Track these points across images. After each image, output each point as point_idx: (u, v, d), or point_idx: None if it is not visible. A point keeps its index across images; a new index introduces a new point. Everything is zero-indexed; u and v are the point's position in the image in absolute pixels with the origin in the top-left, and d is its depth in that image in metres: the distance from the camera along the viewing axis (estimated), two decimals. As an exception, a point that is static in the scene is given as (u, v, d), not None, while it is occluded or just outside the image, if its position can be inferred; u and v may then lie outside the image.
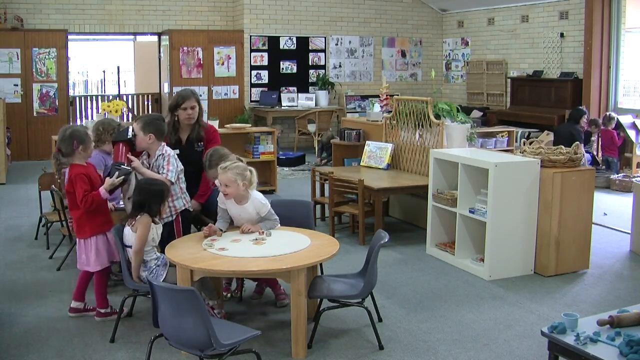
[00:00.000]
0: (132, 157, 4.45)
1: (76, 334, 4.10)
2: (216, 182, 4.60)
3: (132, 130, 4.51)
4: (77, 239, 4.31)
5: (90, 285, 4.38)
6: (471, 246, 5.49)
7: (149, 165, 4.51)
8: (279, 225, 4.33)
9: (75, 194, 4.14)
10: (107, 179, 4.19)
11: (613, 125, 9.54)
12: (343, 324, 4.26)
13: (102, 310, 4.31)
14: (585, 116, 9.44)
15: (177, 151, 4.74)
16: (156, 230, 4.09)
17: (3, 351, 3.87)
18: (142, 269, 4.04)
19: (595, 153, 9.85)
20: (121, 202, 4.85)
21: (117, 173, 4.19)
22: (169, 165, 4.43)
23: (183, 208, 4.55)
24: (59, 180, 4.29)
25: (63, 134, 4.24)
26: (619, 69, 10.55)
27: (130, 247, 4.04)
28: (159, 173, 4.41)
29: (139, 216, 4.04)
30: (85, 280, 4.35)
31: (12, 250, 5.98)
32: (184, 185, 4.59)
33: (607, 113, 9.82)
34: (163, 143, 4.57)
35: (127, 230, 4.07)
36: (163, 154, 4.49)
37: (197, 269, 3.67)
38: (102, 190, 4.16)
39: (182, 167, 4.57)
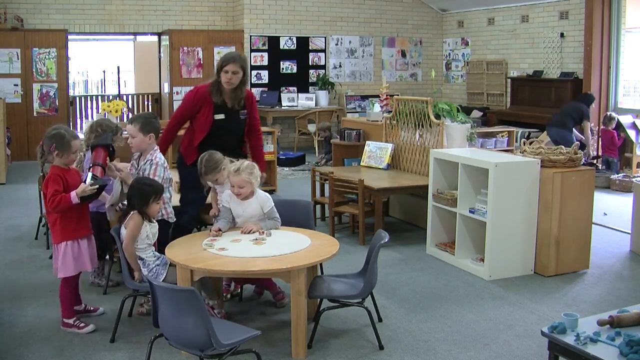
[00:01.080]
0: (121, 166, 4.40)
1: (76, 334, 4.10)
2: (209, 184, 4.59)
3: (127, 132, 4.46)
4: (53, 244, 4.17)
5: (82, 287, 4.36)
6: (471, 246, 5.49)
7: (137, 166, 4.46)
8: (280, 225, 4.33)
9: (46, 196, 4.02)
10: (82, 184, 4.03)
11: (613, 126, 9.54)
12: (343, 324, 4.26)
13: (66, 321, 4.17)
14: (594, 103, 9.50)
15: (165, 162, 4.56)
16: (150, 229, 4.08)
17: (3, 351, 3.87)
18: (142, 267, 4.04)
19: (595, 154, 9.84)
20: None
21: (91, 182, 4.01)
22: (155, 174, 4.31)
23: (160, 218, 4.35)
24: (41, 174, 4.19)
25: (49, 131, 4.12)
26: (619, 69, 10.55)
27: None
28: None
29: (131, 213, 4.05)
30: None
31: (12, 250, 5.98)
32: (168, 195, 4.43)
33: (608, 113, 9.80)
34: (156, 147, 4.48)
35: (123, 229, 4.08)
36: (152, 160, 4.38)
37: (197, 269, 3.67)
38: (73, 194, 3.96)
39: (170, 176, 4.48)
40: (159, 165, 4.37)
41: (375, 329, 3.94)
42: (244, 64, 4.88)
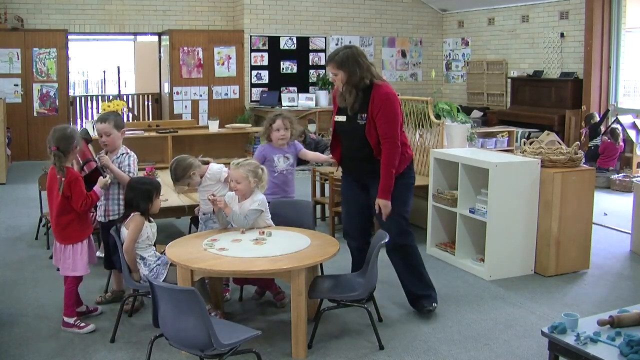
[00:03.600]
0: (102, 154, 4.41)
1: (76, 334, 4.09)
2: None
3: (97, 131, 4.46)
4: (64, 245, 4.13)
5: (82, 288, 4.35)
6: (471, 246, 5.49)
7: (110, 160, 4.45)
8: (247, 227, 4.21)
9: (73, 198, 4.03)
10: (100, 178, 4.17)
11: (621, 141, 9.34)
12: (343, 324, 4.26)
13: (66, 320, 4.15)
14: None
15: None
16: (150, 229, 4.10)
17: (3, 351, 3.87)
18: (142, 267, 4.05)
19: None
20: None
21: (108, 176, 4.21)
22: (134, 165, 4.39)
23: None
24: (63, 179, 4.07)
25: (63, 132, 4.07)
26: (619, 69, 10.56)
27: None
28: (121, 170, 4.35)
29: (131, 215, 4.06)
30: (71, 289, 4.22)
31: (12, 250, 5.98)
32: None
33: (615, 127, 9.51)
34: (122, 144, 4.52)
35: (123, 229, 4.09)
36: (128, 153, 4.44)
37: (197, 269, 3.67)
38: (98, 189, 4.12)
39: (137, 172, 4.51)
40: (135, 158, 4.45)
41: (375, 329, 3.94)
42: (339, 63, 4.04)
